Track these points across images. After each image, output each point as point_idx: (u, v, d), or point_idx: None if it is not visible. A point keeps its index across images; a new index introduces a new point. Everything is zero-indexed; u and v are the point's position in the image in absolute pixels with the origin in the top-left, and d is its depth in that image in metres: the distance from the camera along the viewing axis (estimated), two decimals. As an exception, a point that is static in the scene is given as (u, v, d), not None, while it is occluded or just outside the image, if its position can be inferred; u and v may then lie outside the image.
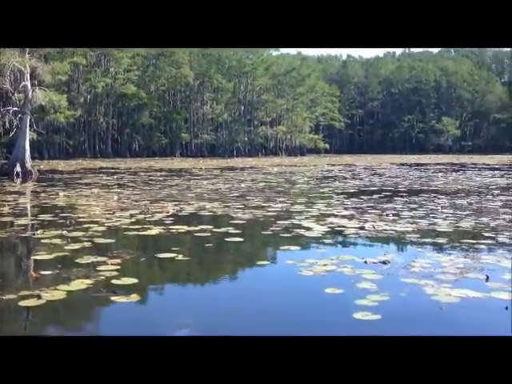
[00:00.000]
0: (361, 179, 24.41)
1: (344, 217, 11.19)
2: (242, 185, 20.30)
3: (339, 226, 9.85)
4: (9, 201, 14.17)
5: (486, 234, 9.07)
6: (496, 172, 30.90)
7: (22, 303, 5.07)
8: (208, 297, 5.76)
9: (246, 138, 66.31)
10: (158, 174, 27.93)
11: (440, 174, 28.34)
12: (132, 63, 56.03)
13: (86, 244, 8.01)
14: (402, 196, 16.00)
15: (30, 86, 25.68)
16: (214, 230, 9.44)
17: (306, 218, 10.87)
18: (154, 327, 4.67)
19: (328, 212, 12.04)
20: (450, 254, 7.60)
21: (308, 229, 9.51)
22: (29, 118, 26.02)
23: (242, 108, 67.96)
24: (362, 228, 9.68)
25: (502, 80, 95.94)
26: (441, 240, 8.57)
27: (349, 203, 13.98)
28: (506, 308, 5.05)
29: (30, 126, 26.34)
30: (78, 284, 5.77)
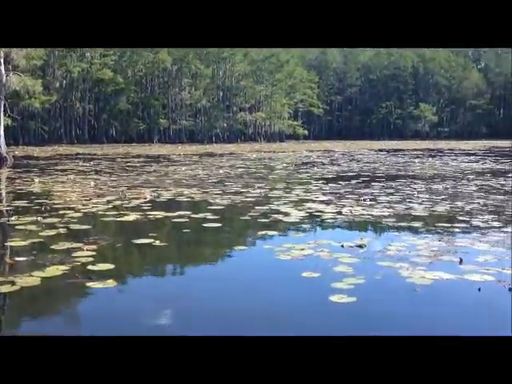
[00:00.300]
0: (339, 165, 24.54)
1: (322, 202, 11.25)
2: (221, 171, 20.24)
3: (317, 211, 9.91)
4: (-18, 187, 13.91)
5: (461, 218, 9.23)
6: (472, 157, 31.35)
7: (-4, 290, 5.00)
8: (185, 282, 5.75)
9: (225, 124, 65.98)
10: (136, 160, 27.67)
11: (417, 160, 28.65)
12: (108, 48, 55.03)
13: (62, 230, 7.92)
14: (379, 181, 16.14)
15: (3, 71, 25.08)
16: (192, 215, 9.41)
17: (284, 204, 10.90)
18: (129, 313, 4.66)
19: (306, 197, 12.09)
20: (425, 237, 7.71)
21: (286, 214, 9.55)
22: (3, 103, 25.45)
23: (221, 94, 67.50)
24: (340, 213, 9.75)
25: (479, 67, 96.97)
26: (416, 224, 8.68)
27: (327, 189, 14.06)
28: (479, 289, 5.15)
29: (4, 111, 25.75)
30: (54, 270, 5.71)
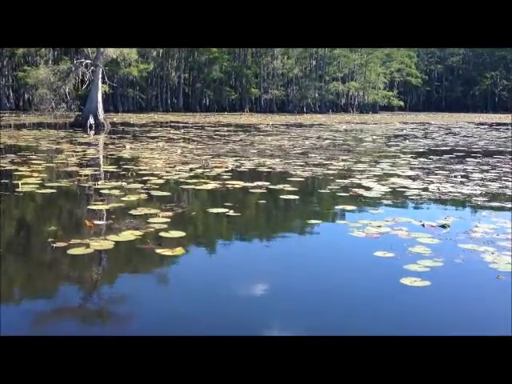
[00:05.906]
0: (433, 138, 23.31)
1: (408, 177, 10.71)
2: (307, 142, 19.93)
3: (401, 187, 9.43)
4: (78, 151, 14.68)
5: None
6: None
7: (70, 251, 5.20)
8: (251, 255, 5.67)
9: (317, 94, 64.93)
10: (225, 129, 27.99)
11: (521, 135, 26.56)
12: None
13: (143, 196, 8.13)
14: (474, 157, 15.11)
15: (102, 40, 26.15)
16: (270, 186, 9.31)
17: (367, 178, 10.49)
18: (192, 282, 4.67)
19: (392, 172, 11.57)
20: (518, 220, 7.06)
21: (367, 188, 9.17)
22: (101, 70, 26.64)
23: (314, 63, 66.28)
24: (426, 189, 9.21)
25: None
26: (510, 204, 7.99)
27: (416, 163, 13.38)
28: None
29: (102, 78, 26.98)
30: (128, 235, 5.85)
